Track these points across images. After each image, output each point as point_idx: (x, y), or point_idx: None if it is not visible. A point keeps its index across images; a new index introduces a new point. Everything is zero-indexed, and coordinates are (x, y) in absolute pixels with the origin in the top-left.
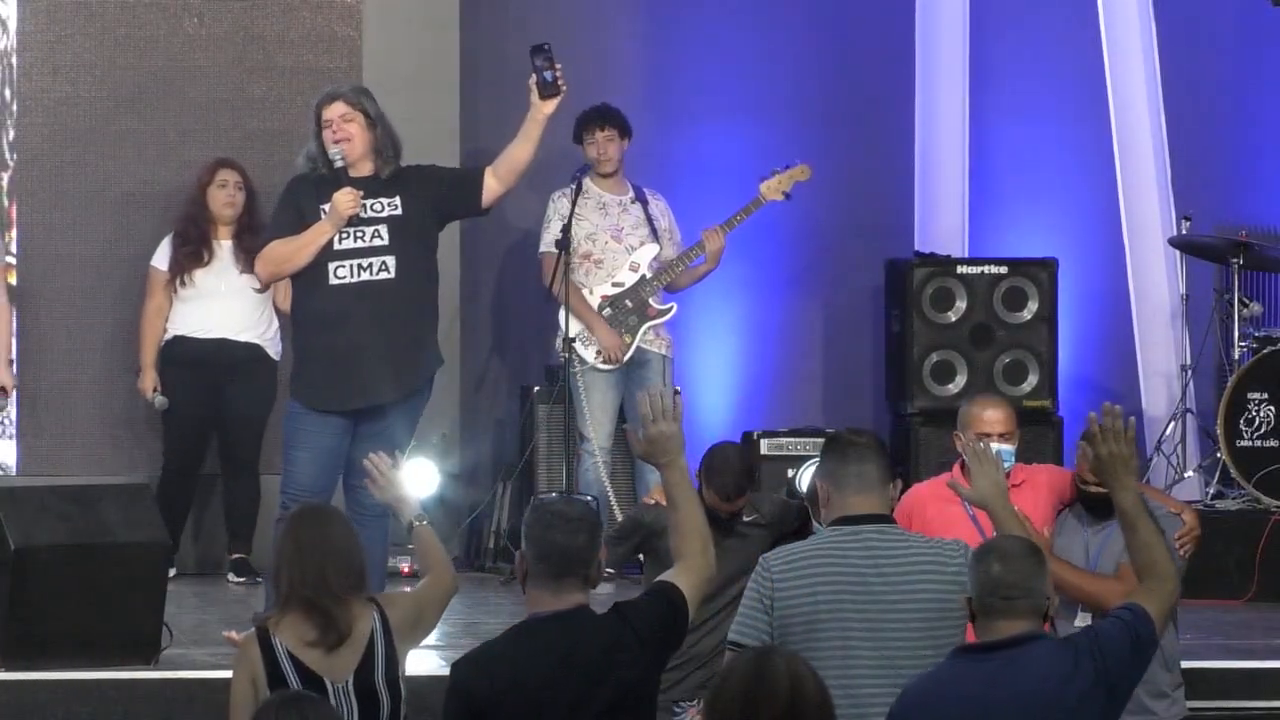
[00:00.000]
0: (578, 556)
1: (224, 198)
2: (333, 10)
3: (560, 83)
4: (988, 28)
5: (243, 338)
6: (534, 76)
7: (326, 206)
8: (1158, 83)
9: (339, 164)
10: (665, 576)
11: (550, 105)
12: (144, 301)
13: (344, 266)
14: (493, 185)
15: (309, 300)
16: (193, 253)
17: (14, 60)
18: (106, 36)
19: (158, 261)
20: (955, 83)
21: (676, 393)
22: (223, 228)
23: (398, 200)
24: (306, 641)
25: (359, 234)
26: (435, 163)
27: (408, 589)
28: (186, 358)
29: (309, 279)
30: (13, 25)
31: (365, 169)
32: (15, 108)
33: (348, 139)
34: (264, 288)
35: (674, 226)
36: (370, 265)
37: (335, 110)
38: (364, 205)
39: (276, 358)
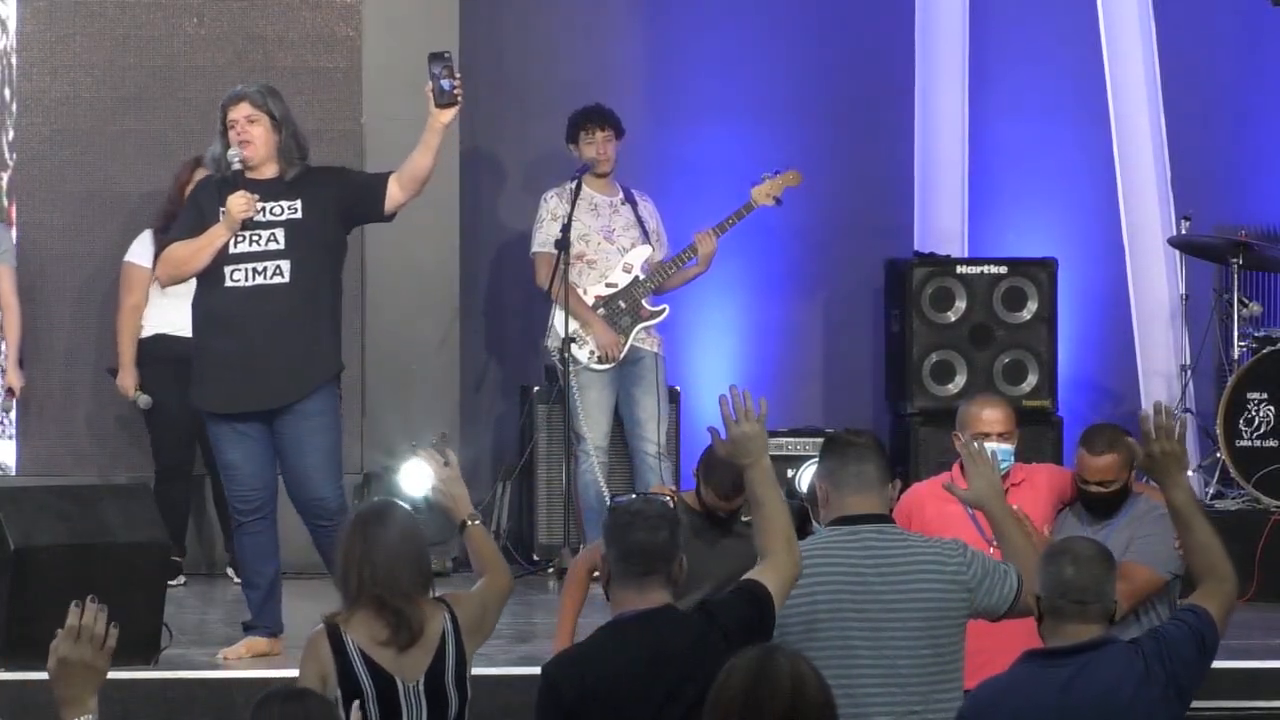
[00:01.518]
0: (660, 554)
1: None
2: (333, 10)
3: (457, 92)
4: (987, 27)
5: None
6: (430, 84)
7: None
8: (1158, 83)
9: (236, 166)
10: (751, 574)
11: (447, 115)
12: (121, 299)
13: (239, 270)
14: (395, 193)
15: (205, 303)
16: None
17: (14, 60)
18: (106, 36)
19: (136, 258)
20: (955, 82)
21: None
22: None
23: (298, 204)
24: (379, 641)
25: (255, 238)
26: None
27: (465, 590)
28: (169, 356)
29: (206, 282)
30: (13, 25)
31: (269, 171)
32: (15, 108)
33: (250, 141)
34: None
35: (661, 228)
36: (265, 269)
37: (240, 111)
38: (263, 209)
39: None
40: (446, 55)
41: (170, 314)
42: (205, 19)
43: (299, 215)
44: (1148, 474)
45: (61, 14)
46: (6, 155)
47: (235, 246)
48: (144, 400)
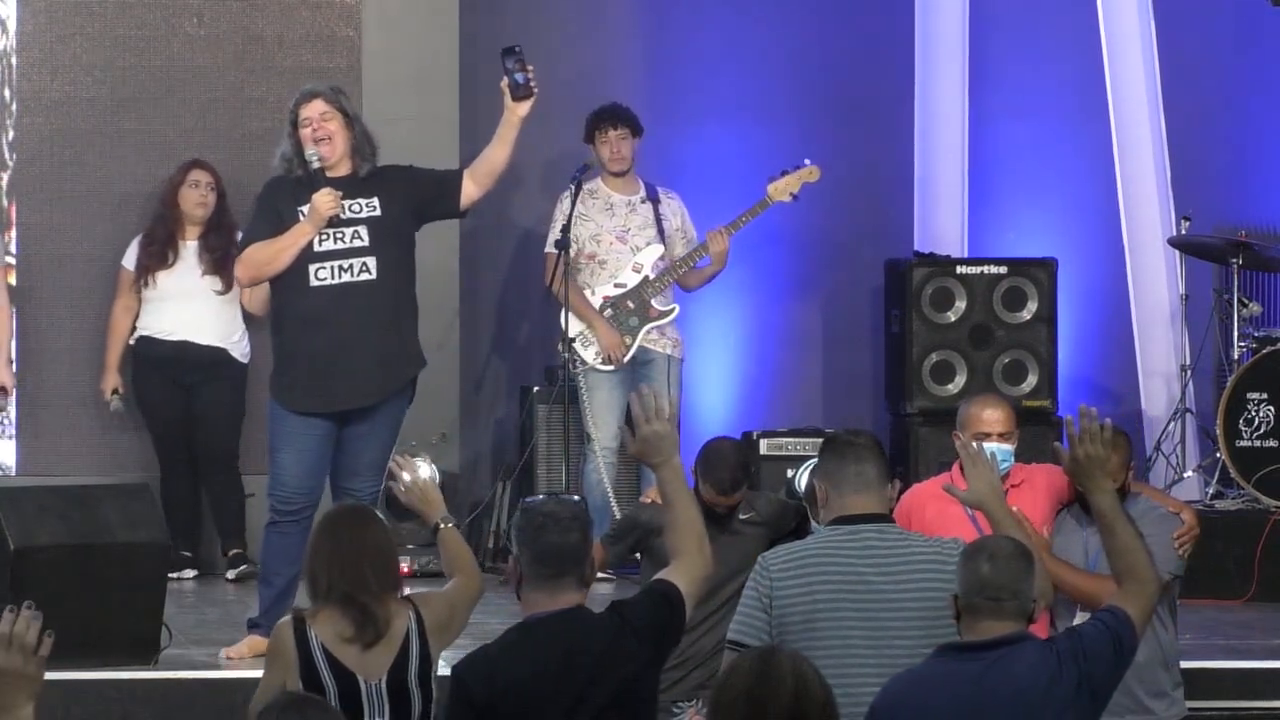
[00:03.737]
0: (572, 556)
1: (196, 198)
2: (333, 10)
3: (532, 84)
4: (987, 27)
5: (205, 341)
6: (505, 79)
7: (304, 208)
8: (1157, 82)
9: (315, 165)
10: (662, 574)
11: (524, 107)
12: (113, 301)
13: (325, 268)
14: (470, 189)
15: (290, 302)
16: (157, 253)
17: (14, 60)
18: (106, 36)
19: (126, 261)
20: (955, 83)
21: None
22: (190, 228)
23: (376, 201)
24: (344, 638)
25: (339, 235)
26: (433, 164)
27: (434, 590)
28: (154, 358)
29: (289, 281)
30: (13, 25)
31: (343, 169)
32: (15, 108)
33: (328, 138)
34: (235, 289)
35: (687, 225)
36: (351, 267)
37: (314, 108)
38: (343, 206)
39: (244, 360)
40: (517, 49)
41: (154, 318)
42: (205, 19)
43: (378, 212)
44: (1072, 478)
45: (61, 14)
46: (6, 155)
47: (320, 245)
48: (115, 404)
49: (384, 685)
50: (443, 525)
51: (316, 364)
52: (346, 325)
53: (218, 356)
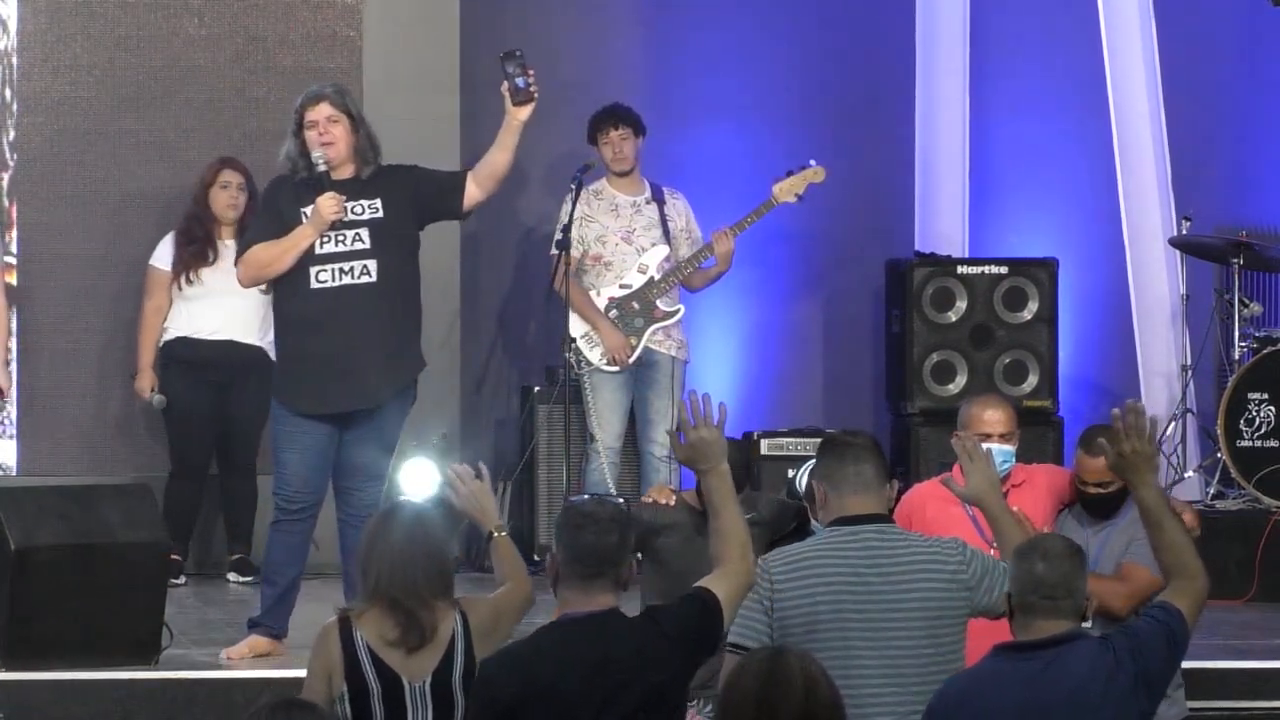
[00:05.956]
0: (609, 557)
1: (226, 199)
2: (333, 10)
3: (533, 88)
4: (987, 27)
5: (249, 340)
6: (506, 83)
7: (307, 210)
8: (1158, 83)
9: (321, 168)
10: (703, 582)
11: (524, 111)
12: (143, 301)
13: (325, 271)
14: (473, 192)
15: (291, 304)
16: (198, 251)
17: (14, 60)
18: (106, 36)
19: (158, 261)
20: (955, 83)
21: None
22: (225, 228)
23: (379, 203)
24: (388, 640)
25: (340, 238)
26: (434, 164)
27: (482, 595)
28: (191, 358)
29: (290, 283)
30: (13, 25)
31: (346, 171)
32: (15, 108)
33: (333, 142)
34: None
35: (692, 225)
36: (352, 269)
37: (321, 112)
38: (346, 209)
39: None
40: (519, 53)
41: (196, 317)
42: (205, 19)
43: (380, 214)
44: (1117, 473)
45: (62, 14)
46: (7, 155)
47: (321, 247)
48: (158, 400)
49: (428, 687)
50: (496, 534)
51: (316, 366)
52: (346, 328)
53: (258, 356)
